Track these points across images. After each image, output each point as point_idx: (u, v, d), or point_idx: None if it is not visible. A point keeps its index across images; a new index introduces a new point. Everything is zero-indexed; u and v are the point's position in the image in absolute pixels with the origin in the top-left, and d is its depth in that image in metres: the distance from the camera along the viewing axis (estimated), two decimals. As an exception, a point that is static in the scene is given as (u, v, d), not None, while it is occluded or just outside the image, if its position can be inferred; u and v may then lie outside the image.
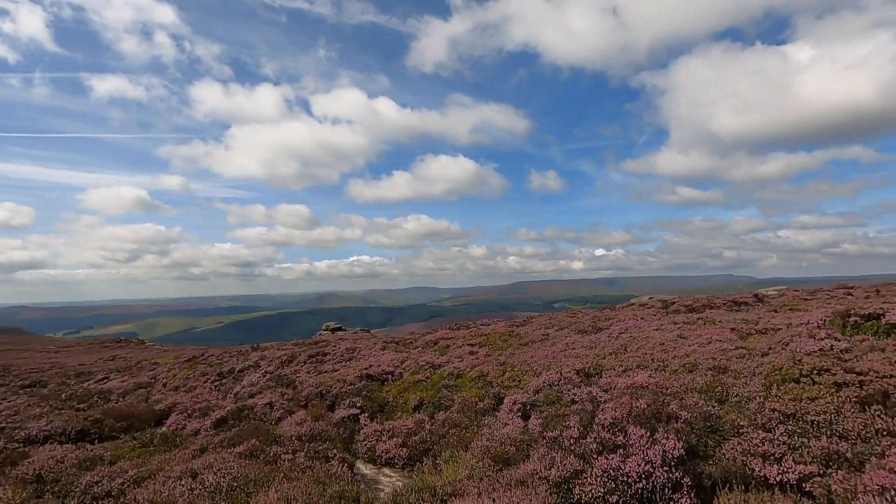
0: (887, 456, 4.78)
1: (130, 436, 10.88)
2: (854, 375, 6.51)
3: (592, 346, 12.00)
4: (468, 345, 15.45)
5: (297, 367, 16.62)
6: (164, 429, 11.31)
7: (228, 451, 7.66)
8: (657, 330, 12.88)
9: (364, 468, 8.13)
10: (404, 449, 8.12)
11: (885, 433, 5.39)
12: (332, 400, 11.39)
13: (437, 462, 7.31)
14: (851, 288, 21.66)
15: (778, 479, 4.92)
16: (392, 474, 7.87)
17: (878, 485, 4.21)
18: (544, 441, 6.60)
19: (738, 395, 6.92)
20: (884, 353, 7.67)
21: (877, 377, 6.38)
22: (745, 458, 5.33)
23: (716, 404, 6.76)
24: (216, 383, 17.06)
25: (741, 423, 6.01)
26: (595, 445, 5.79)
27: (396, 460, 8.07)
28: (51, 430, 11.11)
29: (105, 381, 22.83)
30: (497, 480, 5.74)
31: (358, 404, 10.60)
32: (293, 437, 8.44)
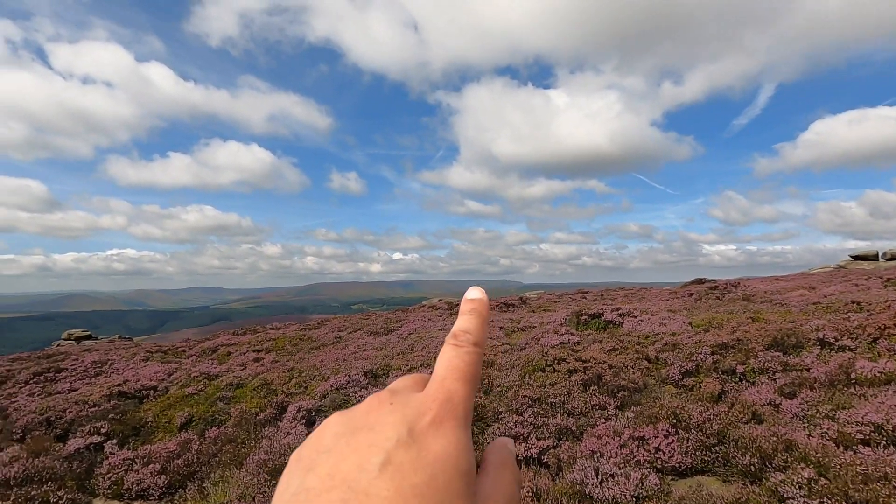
0: (597, 426, 6.09)
1: None
2: (581, 363, 8.14)
3: (383, 347, 12.37)
4: (254, 351, 14.27)
5: (14, 389, 12.86)
6: None
7: None
8: (441, 330, 14.00)
9: (105, 507, 6.70)
10: (163, 476, 6.97)
11: (598, 407, 6.87)
12: (65, 427, 9.13)
13: (204, 485, 6.49)
14: (586, 293, 27.30)
15: (525, 455, 5.80)
16: (144, 508, 6.67)
17: (590, 449, 5.32)
18: (327, 447, 6.48)
19: (500, 385, 7.96)
20: (601, 344, 9.82)
21: (595, 363, 8.10)
22: (501, 441, 6.14)
23: (483, 395, 7.65)
24: None
25: (501, 410, 6.92)
26: (376, 445, 5.93)
27: (152, 490, 6.87)
28: None
29: None
30: (271, 495, 5.38)
31: (103, 430, 8.72)
32: (-4, 483, 6.46)
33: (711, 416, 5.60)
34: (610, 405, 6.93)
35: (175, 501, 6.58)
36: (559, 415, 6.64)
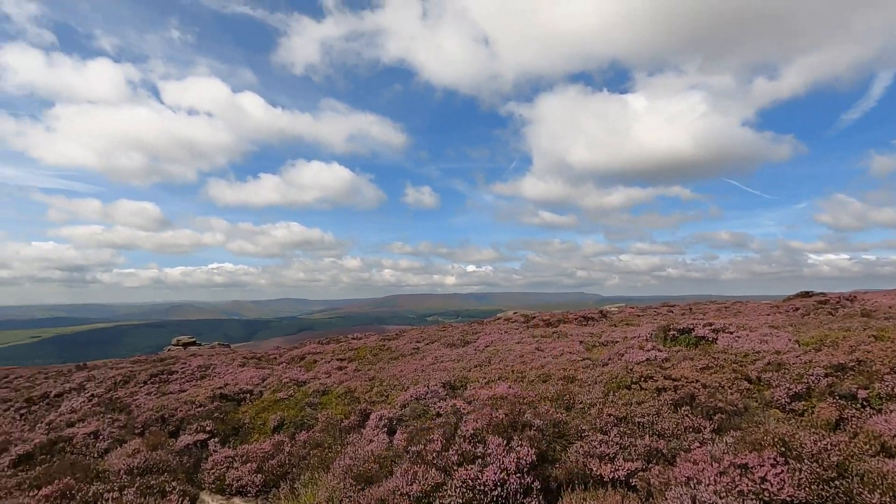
0: (692, 450, 5.66)
1: None
2: (671, 381, 7.64)
3: (460, 359, 12.43)
4: (337, 359, 14.95)
5: (135, 388, 14.49)
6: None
7: (31, 494, 6.32)
8: (518, 343, 13.81)
9: (210, 500, 7.31)
10: (259, 475, 7.49)
11: (691, 430, 6.39)
12: (177, 425, 10.11)
13: (295, 486, 6.86)
14: (672, 306, 25.66)
15: (611, 477, 5.52)
16: (243, 504, 7.19)
17: (685, 476, 4.95)
18: (408, 456, 6.59)
19: (582, 402, 7.68)
20: (692, 361, 9.15)
21: (686, 382, 7.57)
22: (585, 460, 5.89)
23: (564, 411, 7.42)
24: (22, 411, 14.09)
25: (584, 428, 6.66)
26: (456, 457, 5.94)
27: (249, 488, 7.40)
28: None
29: None
30: (358, 501, 5.57)
31: (207, 428, 9.55)
32: (122, 472, 7.28)
33: (829, 446, 4.99)
34: (705, 428, 6.42)
35: (270, 499, 7.02)
36: (647, 436, 6.26)
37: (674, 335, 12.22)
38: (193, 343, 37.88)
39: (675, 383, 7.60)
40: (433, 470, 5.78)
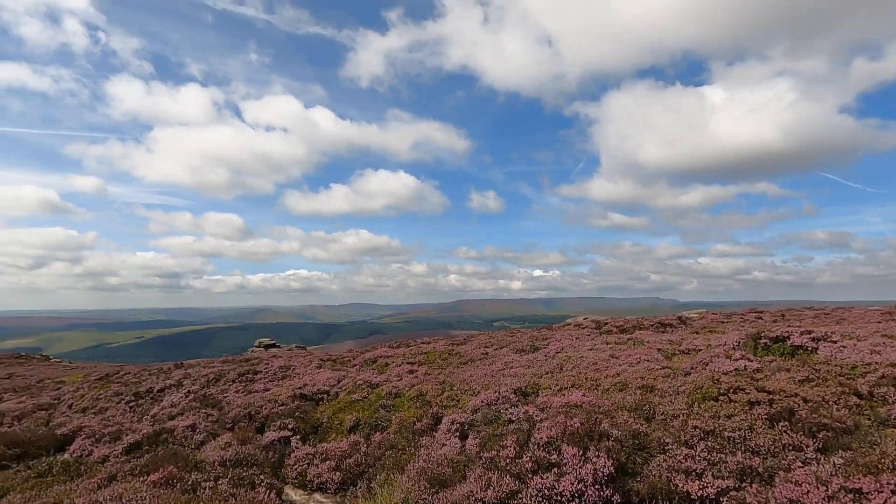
0: (793, 469, 5.17)
1: (25, 464, 9.69)
2: (765, 394, 7.04)
3: (530, 365, 12.22)
4: (408, 363, 15.25)
5: (225, 386, 15.64)
6: (66, 456, 10.17)
7: (141, 479, 6.99)
8: (591, 350, 13.35)
9: (293, 494, 7.71)
10: (337, 473, 7.79)
11: (791, 448, 5.84)
12: (262, 421, 10.78)
13: (372, 486, 7.07)
14: (761, 312, 23.65)
15: (699, 495, 5.17)
16: (323, 500, 7.51)
17: (786, 498, 4.53)
18: (481, 461, 6.58)
19: (664, 413, 7.27)
20: (789, 372, 8.37)
21: (784, 395, 6.93)
22: (670, 475, 5.57)
23: (644, 422, 7.06)
24: (131, 404, 15.68)
25: (667, 441, 6.30)
26: (530, 465, 5.84)
27: (329, 485, 7.72)
28: (-77, 460, 9.68)
29: (-3, 402, 20.29)
30: (433, 504, 5.63)
31: (290, 426, 10.10)
32: (216, 463, 7.88)
33: (964, 474, 4.36)
34: (808, 446, 5.84)
35: (348, 497, 7.27)
36: (739, 452, 5.80)
37: (766, 344, 11.25)
38: (273, 345, 40.33)
39: (770, 396, 6.98)
40: (507, 476, 5.72)
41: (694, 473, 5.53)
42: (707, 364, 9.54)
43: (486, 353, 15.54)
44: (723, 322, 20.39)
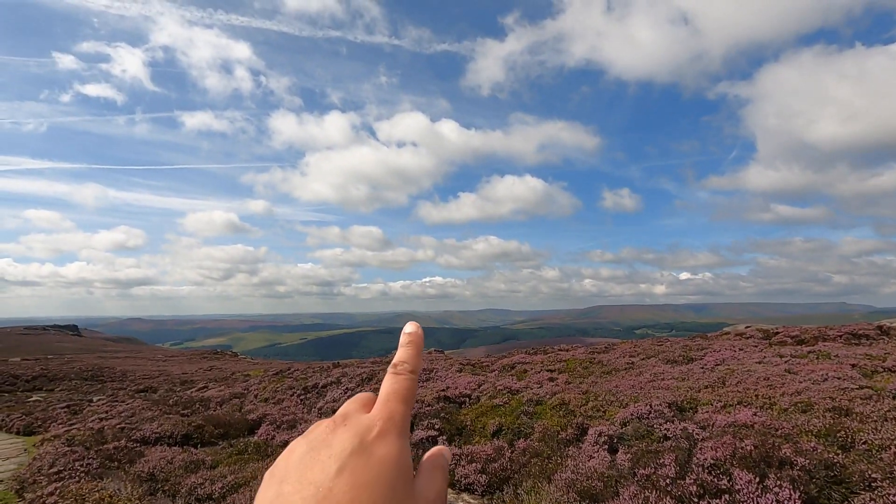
0: None
1: (227, 443, 11.69)
2: None
3: (684, 378, 11.15)
4: (547, 370, 14.99)
5: (377, 385, 17.05)
6: (256, 438, 12.03)
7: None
8: (760, 363, 11.70)
9: (443, 492, 8.07)
10: (483, 476, 7.96)
11: None
12: (412, 420, 11.50)
13: (518, 492, 7.08)
14: None
15: (926, 547, 4.21)
16: (471, 500, 7.73)
17: None
18: (635, 478, 6.18)
19: (866, 442, 6.06)
20: None
21: None
22: (880, 518, 4.63)
23: (839, 451, 5.97)
24: (301, 397, 17.93)
25: (874, 476, 5.24)
26: (695, 488, 5.32)
27: (475, 486, 7.92)
28: (161, 432, 12.24)
29: (205, 389, 24.83)
30: (585, 517, 5.44)
31: (436, 426, 10.62)
32: (374, 455, 8.62)
33: None
34: None
35: (494, 500, 7.39)
36: None
37: None
38: (415, 348, 42.70)
39: None
40: (668, 498, 5.29)
41: (917, 520, 4.51)
42: (926, 385, 7.73)
43: (632, 363, 14.56)
44: (945, 334, 16.29)
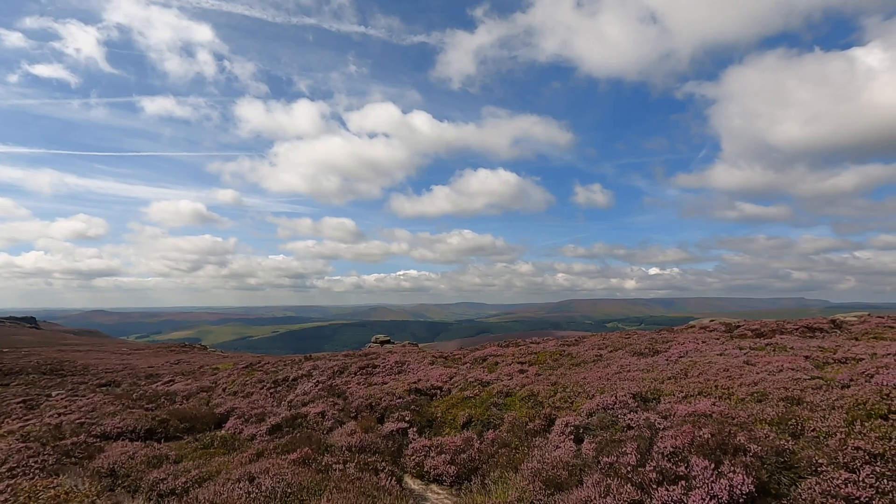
0: None
1: (193, 437, 11.45)
2: (954, 414, 5.85)
3: (649, 370, 11.47)
4: (518, 363, 15.19)
5: (348, 378, 16.95)
6: (223, 432, 11.81)
7: (283, 457, 7.88)
8: (721, 355, 12.14)
9: (412, 483, 8.11)
10: (452, 466, 8.04)
11: None
12: (382, 412, 11.50)
13: (486, 482, 7.17)
14: (946, 316, 19.51)
15: (865, 526, 4.47)
16: (440, 491, 7.80)
17: None
18: (599, 467, 6.35)
19: (815, 429, 6.37)
20: None
21: (983, 418, 5.70)
22: (824, 500, 4.89)
23: (789, 438, 6.26)
24: (271, 390, 17.68)
25: (820, 461, 5.52)
26: (654, 475, 5.50)
27: (444, 477, 8.00)
28: (123, 427, 11.89)
29: (171, 383, 24.24)
30: (549, 505, 5.56)
31: (407, 418, 10.64)
32: (343, 448, 8.58)
33: None
34: None
35: (463, 490, 7.47)
36: (920, 482, 4.89)
37: (954, 354, 9.29)
38: (388, 341, 42.71)
39: (963, 418, 5.77)
40: (628, 485, 5.45)
41: (857, 501, 4.78)
42: (872, 376, 8.15)
43: (600, 356, 14.89)
44: (892, 327, 17.21)
